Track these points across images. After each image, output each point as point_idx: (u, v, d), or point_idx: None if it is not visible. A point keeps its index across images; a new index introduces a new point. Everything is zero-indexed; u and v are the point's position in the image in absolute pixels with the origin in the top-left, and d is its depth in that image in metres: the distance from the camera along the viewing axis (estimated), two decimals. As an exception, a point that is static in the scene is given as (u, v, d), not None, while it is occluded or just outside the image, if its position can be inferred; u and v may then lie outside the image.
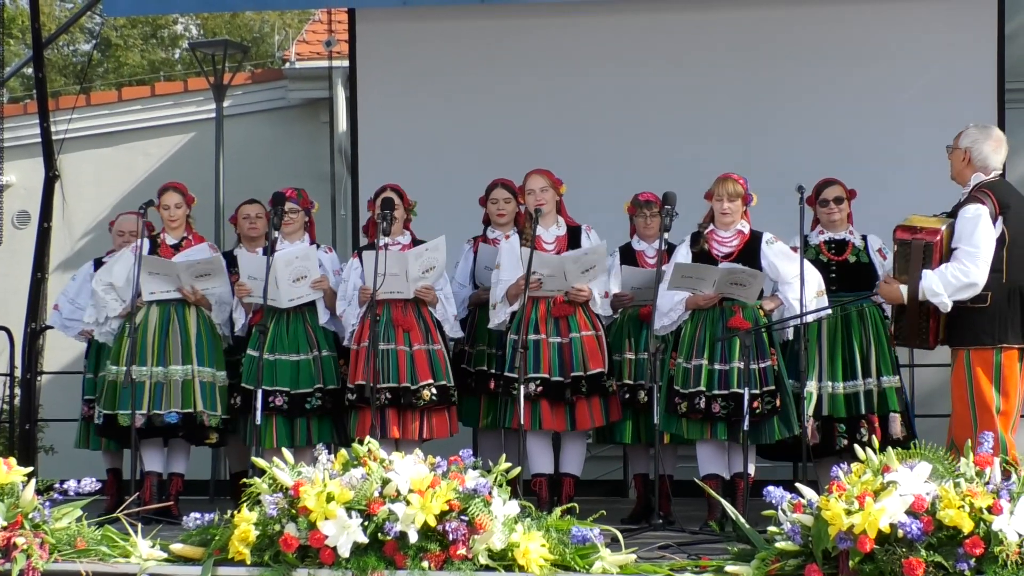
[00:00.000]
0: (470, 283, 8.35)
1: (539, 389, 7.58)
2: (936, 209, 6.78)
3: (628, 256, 8.20)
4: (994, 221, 6.47)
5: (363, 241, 8.57)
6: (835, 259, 7.88)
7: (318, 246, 8.25)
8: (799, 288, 7.32)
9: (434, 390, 7.77)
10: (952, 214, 6.60)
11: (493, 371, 7.95)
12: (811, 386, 7.56)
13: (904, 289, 6.53)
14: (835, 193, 7.96)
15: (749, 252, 7.58)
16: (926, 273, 6.44)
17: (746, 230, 7.66)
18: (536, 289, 7.59)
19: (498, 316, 7.86)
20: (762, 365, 7.40)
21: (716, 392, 7.40)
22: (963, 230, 6.46)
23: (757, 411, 7.32)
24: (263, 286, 7.71)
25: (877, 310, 7.81)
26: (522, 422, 7.31)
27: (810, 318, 7.39)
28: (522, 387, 7.38)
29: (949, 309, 6.42)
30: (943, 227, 6.51)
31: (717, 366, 7.43)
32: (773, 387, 7.40)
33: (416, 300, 7.84)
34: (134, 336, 7.86)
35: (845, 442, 7.62)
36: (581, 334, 7.75)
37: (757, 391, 7.33)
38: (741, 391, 7.26)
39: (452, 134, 10.38)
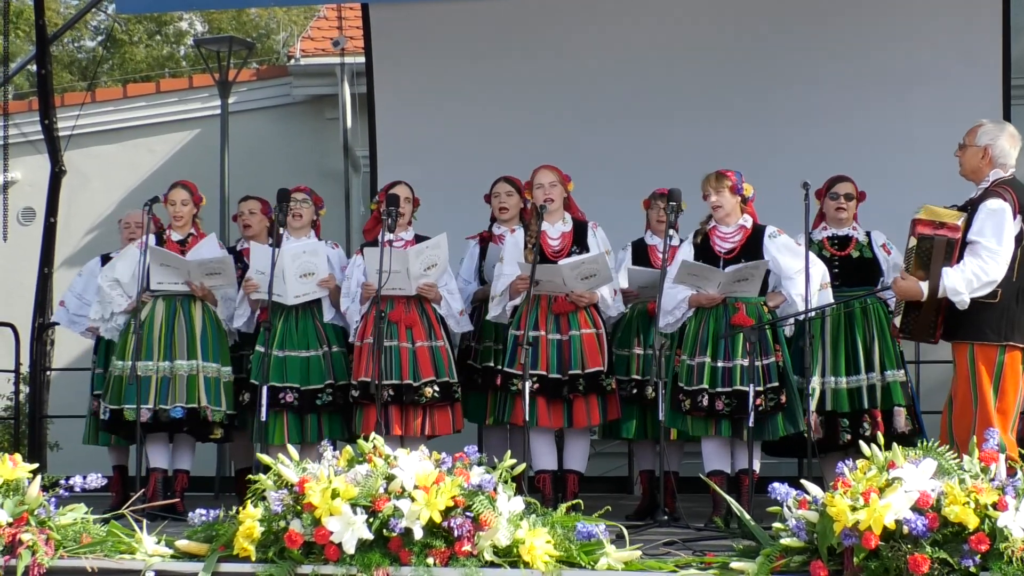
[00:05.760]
0: (475, 279, 8.35)
1: (536, 386, 7.54)
2: (944, 202, 6.72)
3: (640, 251, 8.22)
4: (1013, 218, 6.39)
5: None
6: (838, 254, 7.88)
7: (324, 242, 8.25)
8: (801, 283, 7.30)
9: (436, 387, 7.76)
10: (964, 208, 6.53)
11: (499, 367, 7.96)
12: (815, 382, 7.55)
13: (925, 286, 6.41)
14: (846, 189, 7.96)
15: (751, 247, 7.52)
16: (947, 272, 6.33)
17: (748, 224, 7.59)
18: (536, 287, 7.57)
19: (496, 309, 7.86)
20: (765, 362, 7.36)
21: (720, 389, 7.38)
22: (984, 225, 6.35)
23: (760, 408, 7.29)
24: (270, 281, 7.72)
25: (881, 305, 7.81)
26: (526, 418, 7.28)
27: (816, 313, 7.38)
28: (528, 383, 7.36)
29: (967, 307, 6.38)
30: (960, 221, 6.44)
31: (720, 363, 7.40)
32: (777, 384, 7.38)
33: (419, 297, 7.84)
34: (139, 331, 7.86)
35: (848, 437, 7.64)
36: (581, 332, 7.72)
37: (760, 388, 7.32)
38: (744, 388, 7.26)
39: (467, 129, 10.42)
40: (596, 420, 7.81)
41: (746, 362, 7.28)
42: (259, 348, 7.89)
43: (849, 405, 7.71)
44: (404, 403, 7.71)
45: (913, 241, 6.50)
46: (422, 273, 7.76)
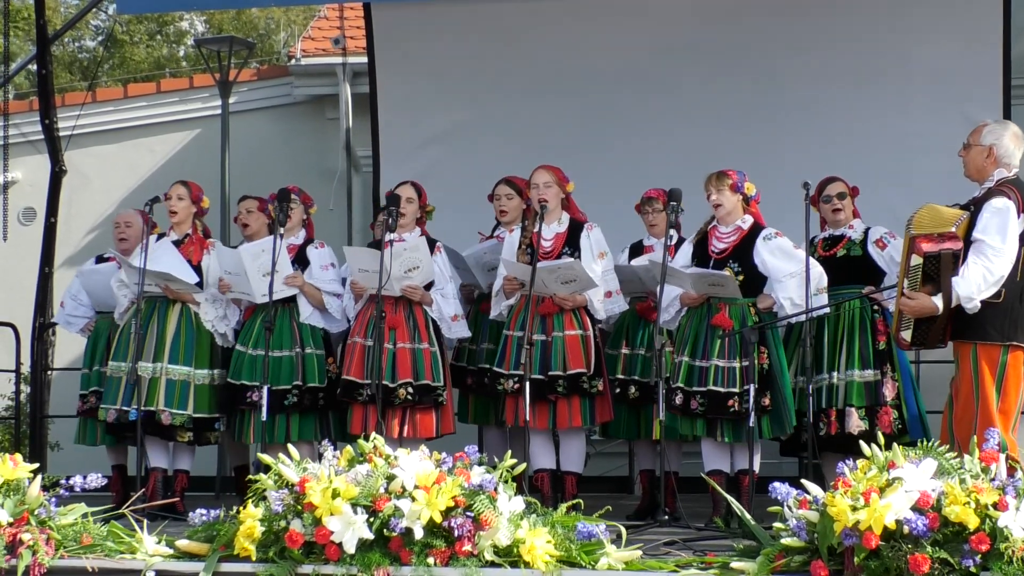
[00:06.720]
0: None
1: (516, 386, 7.55)
2: (943, 201, 6.68)
3: (637, 253, 8.21)
4: (1017, 216, 6.36)
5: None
6: (823, 255, 7.84)
7: (311, 241, 8.23)
8: (791, 286, 7.29)
9: (411, 389, 7.72)
10: (967, 207, 6.51)
11: (471, 366, 8.10)
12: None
13: (938, 300, 6.37)
14: (837, 189, 7.95)
15: (743, 248, 7.49)
16: (957, 282, 6.30)
17: (747, 225, 7.56)
18: (525, 288, 7.57)
19: (496, 307, 7.90)
20: (745, 363, 7.31)
21: (695, 388, 7.37)
22: (989, 223, 6.34)
23: (731, 409, 7.26)
24: (241, 280, 7.77)
25: (864, 304, 7.76)
26: (527, 418, 7.27)
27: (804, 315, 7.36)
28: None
29: (978, 310, 6.37)
30: (955, 227, 6.40)
31: (697, 363, 7.40)
32: (757, 386, 7.32)
33: (408, 299, 7.83)
34: (140, 332, 7.89)
35: (806, 436, 7.64)
36: (564, 333, 7.69)
37: (736, 389, 7.28)
38: (717, 389, 7.28)
39: (469, 129, 10.42)
40: (578, 422, 7.76)
41: (722, 362, 7.28)
42: (239, 348, 7.98)
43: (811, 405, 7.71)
44: (382, 403, 7.67)
45: (917, 259, 6.41)
46: (403, 275, 7.73)
